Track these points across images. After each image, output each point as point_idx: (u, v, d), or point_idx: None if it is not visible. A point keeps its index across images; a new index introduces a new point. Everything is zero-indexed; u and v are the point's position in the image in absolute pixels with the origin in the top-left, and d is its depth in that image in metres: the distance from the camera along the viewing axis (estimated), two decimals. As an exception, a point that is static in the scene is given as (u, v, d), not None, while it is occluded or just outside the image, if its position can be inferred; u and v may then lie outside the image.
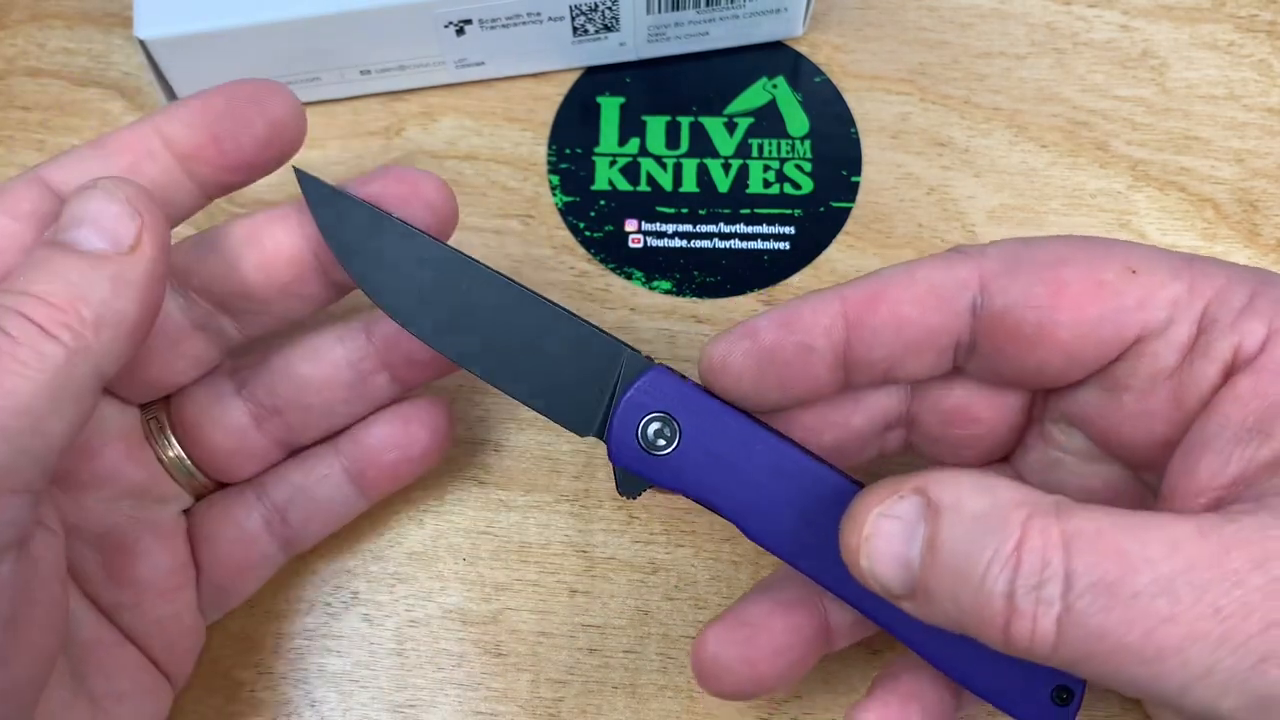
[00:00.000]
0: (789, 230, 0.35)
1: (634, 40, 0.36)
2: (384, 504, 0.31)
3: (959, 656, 0.24)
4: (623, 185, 0.35)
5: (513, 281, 0.26)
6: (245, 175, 0.25)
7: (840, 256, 0.34)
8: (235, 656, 0.30)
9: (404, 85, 0.36)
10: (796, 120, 0.36)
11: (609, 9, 0.34)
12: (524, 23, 0.34)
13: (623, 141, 0.36)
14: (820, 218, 0.35)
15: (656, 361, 0.25)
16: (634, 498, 0.25)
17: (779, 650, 0.25)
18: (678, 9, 0.35)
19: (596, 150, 0.36)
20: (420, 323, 0.25)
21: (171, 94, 0.34)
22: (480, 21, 0.34)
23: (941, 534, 0.20)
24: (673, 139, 0.36)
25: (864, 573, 0.22)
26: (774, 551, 0.25)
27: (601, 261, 0.34)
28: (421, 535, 0.31)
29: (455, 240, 0.27)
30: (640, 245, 0.34)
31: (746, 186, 0.35)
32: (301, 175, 0.25)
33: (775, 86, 0.36)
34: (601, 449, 0.32)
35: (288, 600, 0.30)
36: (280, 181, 0.27)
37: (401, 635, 0.30)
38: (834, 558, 0.23)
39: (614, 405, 0.25)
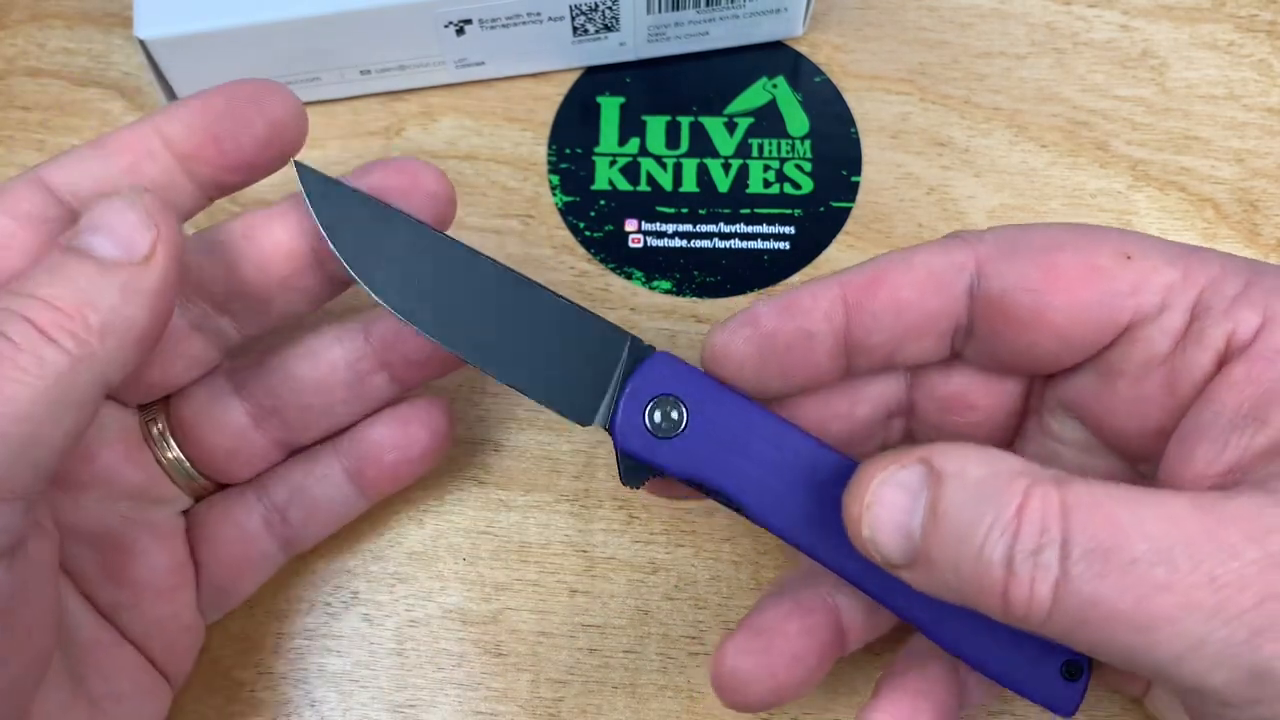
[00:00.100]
0: (789, 230, 0.35)
1: (634, 40, 0.36)
2: (384, 504, 0.31)
3: (968, 637, 0.24)
4: (623, 185, 0.35)
5: (513, 271, 0.25)
6: (245, 175, 0.25)
7: (840, 256, 0.34)
8: (235, 656, 0.30)
9: (404, 85, 0.36)
10: (796, 120, 0.36)
11: (609, 9, 0.34)
12: (524, 23, 0.34)
13: (623, 141, 0.36)
14: (820, 218, 0.35)
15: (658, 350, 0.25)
16: (637, 487, 0.25)
17: (797, 656, 0.25)
18: (678, 9, 0.35)
19: (596, 150, 0.36)
20: (419, 314, 0.25)
21: (171, 94, 0.34)
22: (480, 21, 0.34)
23: (944, 500, 0.20)
24: (673, 139, 0.36)
25: (865, 542, 0.22)
26: (779, 533, 0.25)
27: (601, 261, 0.34)
28: (421, 535, 0.31)
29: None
30: (640, 245, 0.34)
31: (746, 186, 0.35)
32: (300, 167, 0.25)
33: (775, 86, 0.36)
34: (602, 449, 0.32)
35: (288, 600, 0.30)
36: (283, 181, 0.26)
37: (401, 635, 0.30)
38: (840, 538, 0.23)
39: (620, 390, 0.25)
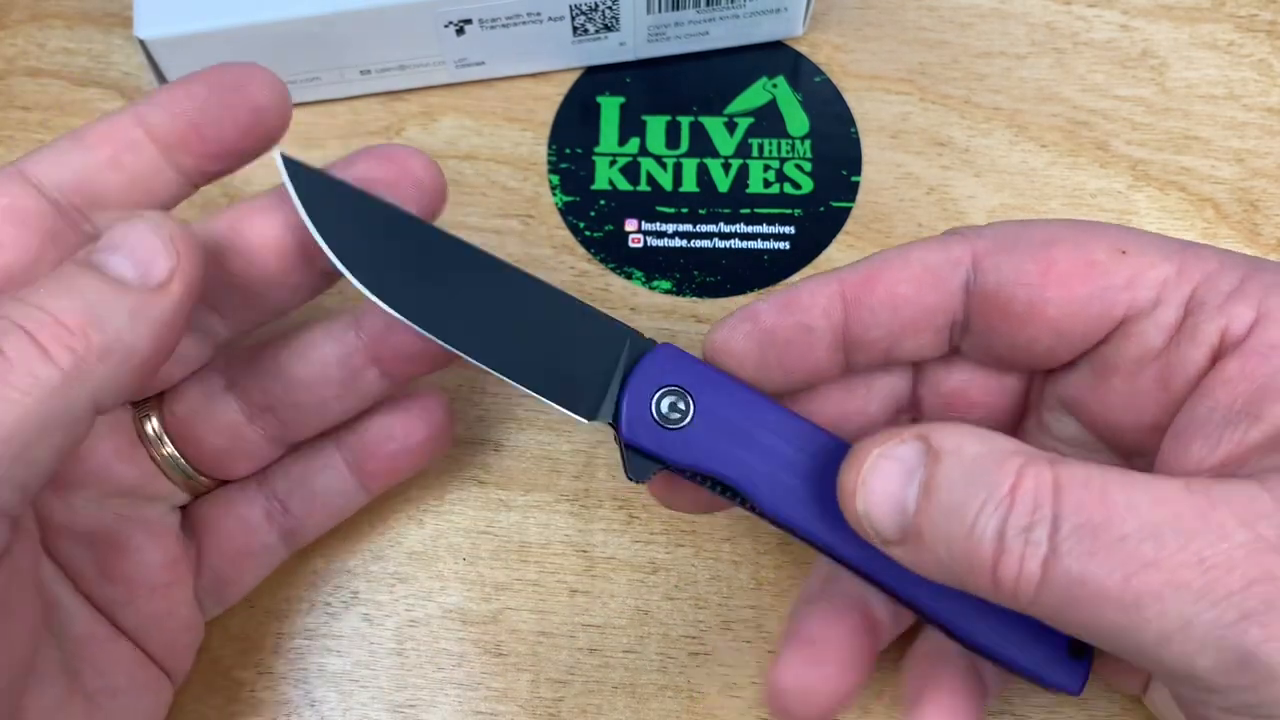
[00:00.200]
0: (789, 230, 0.35)
1: (634, 40, 0.36)
2: (384, 503, 0.31)
3: (976, 623, 0.24)
4: (623, 185, 0.35)
5: (511, 266, 0.25)
6: (229, 162, 0.25)
7: (840, 256, 0.34)
8: (235, 656, 0.30)
9: (404, 85, 0.36)
10: (796, 120, 0.36)
11: (609, 9, 0.34)
12: (524, 22, 0.34)
13: (623, 141, 0.36)
14: (820, 217, 0.35)
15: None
16: (644, 481, 0.25)
17: (850, 658, 0.25)
18: (678, 9, 0.35)
19: (596, 150, 0.36)
20: (416, 310, 0.25)
21: (171, 94, 0.34)
22: (480, 21, 0.34)
23: (939, 476, 0.21)
24: (673, 139, 0.36)
25: (859, 516, 0.22)
26: (788, 524, 0.24)
27: (601, 261, 0.34)
28: (421, 535, 0.31)
29: (455, 240, 0.27)
30: (640, 245, 0.34)
31: (746, 186, 0.35)
32: (287, 161, 0.25)
33: (775, 86, 0.36)
34: (602, 449, 0.32)
35: (288, 600, 0.30)
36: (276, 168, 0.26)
37: (401, 635, 0.30)
38: (850, 528, 0.23)
39: (623, 383, 0.25)
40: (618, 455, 0.31)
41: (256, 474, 0.28)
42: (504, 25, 0.34)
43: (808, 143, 0.36)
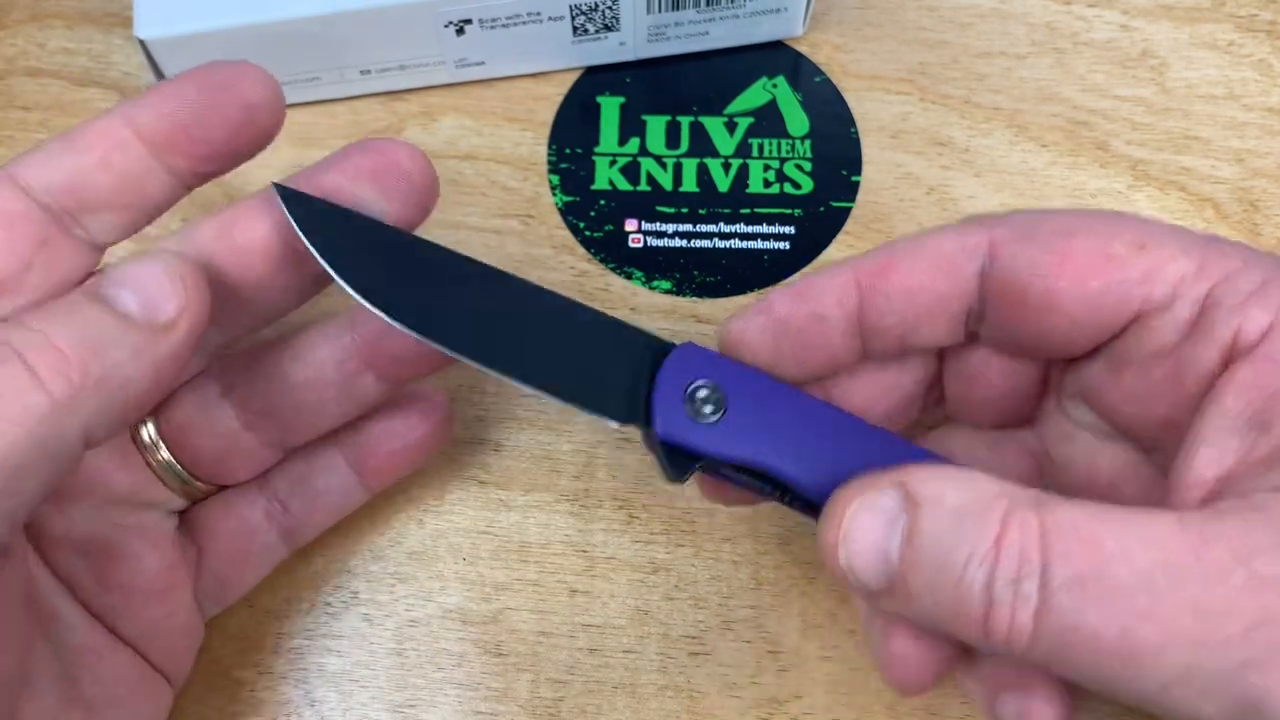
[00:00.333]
0: (789, 230, 0.35)
1: (634, 40, 0.36)
2: (384, 503, 0.31)
3: None
4: (623, 185, 0.35)
5: (518, 278, 0.25)
6: (222, 163, 0.24)
7: (840, 256, 0.34)
8: (235, 656, 0.30)
9: (404, 85, 0.36)
10: (796, 120, 0.36)
11: (609, 9, 0.34)
12: (524, 22, 0.34)
13: (623, 141, 0.36)
14: (820, 217, 0.35)
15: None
16: (683, 480, 0.24)
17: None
18: (678, 9, 0.35)
19: (596, 150, 0.36)
20: (439, 331, 0.24)
21: (171, 94, 0.34)
22: (480, 21, 0.34)
23: (921, 527, 0.20)
24: (673, 139, 0.36)
25: (842, 569, 0.21)
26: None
27: (601, 261, 0.34)
28: (421, 535, 0.31)
29: (456, 240, 0.27)
30: (640, 245, 0.34)
31: (746, 186, 0.35)
32: (283, 191, 0.24)
33: (775, 86, 0.36)
34: (603, 449, 0.32)
35: (287, 600, 0.30)
36: (283, 175, 0.26)
37: (401, 635, 0.30)
38: None
39: (653, 382, 0.24)
40: (618, 455, 0.31)
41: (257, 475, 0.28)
42: (504, 25, 0.34)
43: (808, 143, 0.36)
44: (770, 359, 0.25)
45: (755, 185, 0.35)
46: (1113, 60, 0.36)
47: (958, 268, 0.24)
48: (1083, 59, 0.37)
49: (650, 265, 0.34)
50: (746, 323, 0.25)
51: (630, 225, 0.35)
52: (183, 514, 0.28)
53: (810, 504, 0.24)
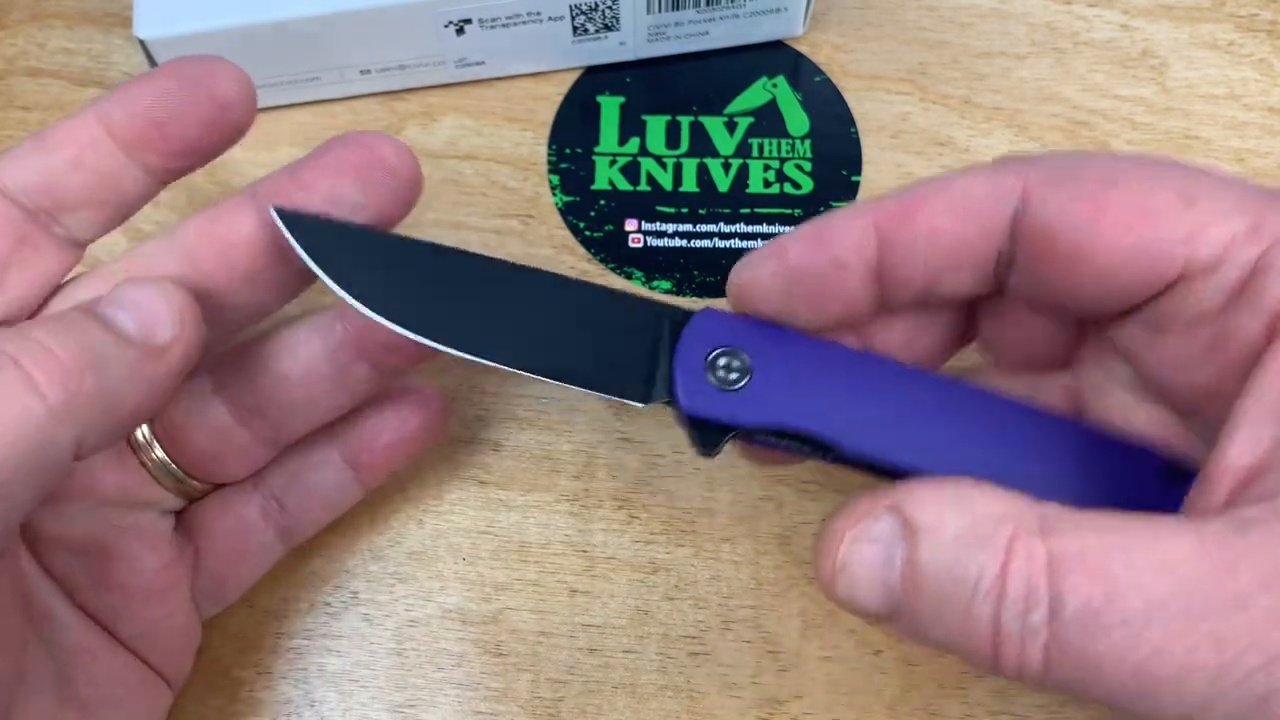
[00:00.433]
0: (789, 230, 0.35)
1: (634, 40, 0.36)
2: (384, 503, 0.31)
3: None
4: (623, 185, 0.35)
5: (528, 267, 0.25)
6: (194, 159, 0.24)
7: (840, 256, 0.34)
8: (235, 656, 0.30)
9: (404, 85, 0.36)
10: (796, 120, 0.36)
11: (609, 8, 0.34)
12: (524, 22, 0.34)
13: (623, 141, 0.36)
14: (820, 217, 0.35)
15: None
16: (714, 454, 0.23)
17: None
18: (678, 8, 0.35)
19: (596, 150, 0.36)
20: (456, 337, 0.24)
21: (171, 94, 0.34)
22: (480, 21, 0.34)
23: (921, 556, 0.19)
24: (673, 139, 0.36)
25: (843, 601, 0.21)
26: (874, 459, 0.23)
27: (601, 261, 0.34)
28: (421, 535, 0.31)
29: (456, 240, 0.26)
30: (640, 245, 0.34)
31: (746, 186, 0.35)
32: (282, 214, 0.24)
33: (775, 86, 0.36)
34: (603, 449, 0.32)
35: (287, 600, 0.30)
36: (271, 161, 0.26)
37: (401, 635, 0.30)
38: (943, 447, 0.22)
39: (673, 355, 0.23)
40: (618, 455, 0.31)
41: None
42: (504, 25, 0.34)
43: (808, 143, 0.36)
44: (781, 308, 0.24)
45: (755, 185, 0.35)
46: (1113, 60, 0.36)
47: (987, 212, 0.22)
48: (1083, 59, 0.37)
49: (650, 265, 0.34)
50: (756, 270, 0.23)
51: (630, 225, 0.35)
52: (179, 514, 0.28)
53: (853, 460, 0.23)
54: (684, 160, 0.35)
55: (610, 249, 0.34)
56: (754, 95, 0.36)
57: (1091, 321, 0.24)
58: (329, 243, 0.24)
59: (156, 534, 0.26)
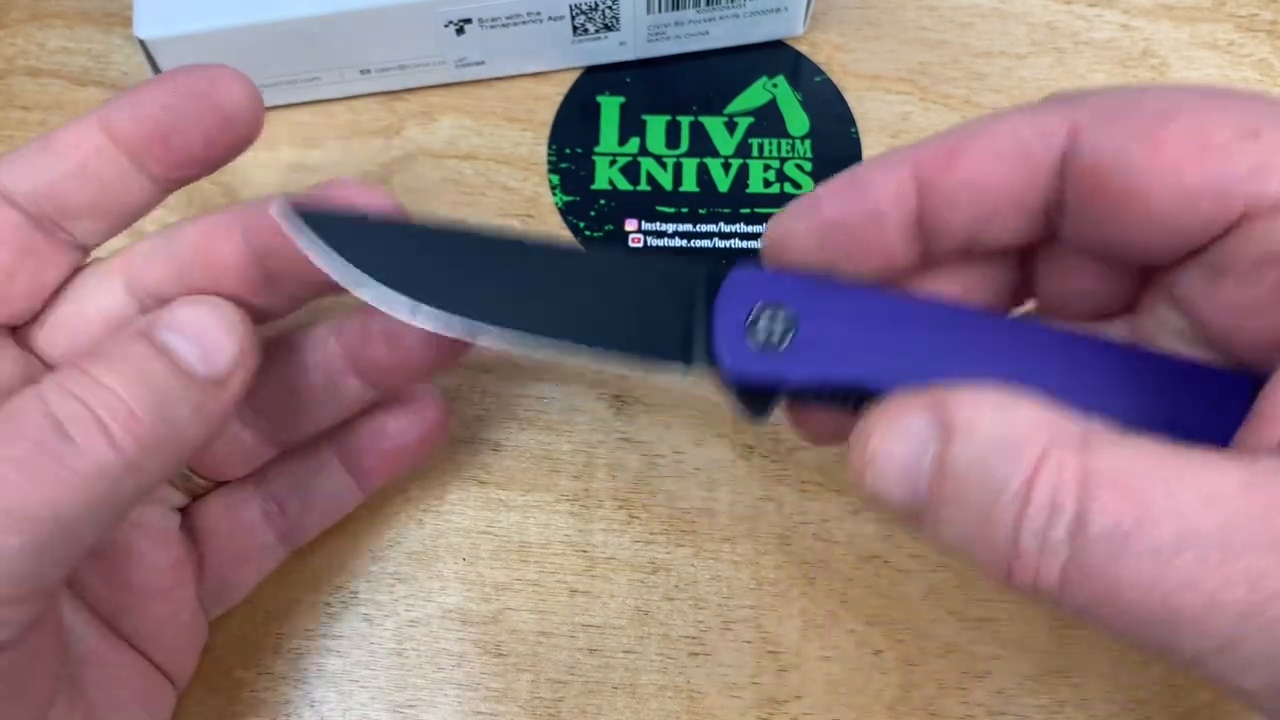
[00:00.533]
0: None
1: (634, 40, 0.36)
2: (384, 504, 0.31)
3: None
4: (623, 185, 0.35)
5: (548, 240, 0.24)
6: (199, 170, 0.24)
7: (840, 256, 0.34)
8: (235, 657, 0.30)
9: (404, 85, 0.36)
10: (797, 120, 0.36)
11: (609, 8, 0.34)
12: (524, 22, 0.34)
13: (623, 141, 0.36)
14: (820, 217, 0.35)
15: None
16: (764, 420, 0.22)
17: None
18: (678, 8, 0.35)
19: (596, 150, 0.36)
20: (485, 315, 0.23)
21: (171, 94, 0.34)
22: (480, 21, 0.34)
23: (952, 456, 0.18)
24: (673, 138, 0.36)
25: (869, 492, 0.20)
26: None
27: (601, 261, 0.34)
28: (421, 535, 0.31)
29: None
30: (640, 245, 0.34)
31: (746, 186, 0.35)
32: (288, 210, 0.23)
33: (775, 86, 0.36)
34: (603, 449, 0.32)
35: (288, 600, 0.30)
36: (283, 181, 0.26)
37: (401, 635, 0.30)
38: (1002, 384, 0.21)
39: (711, 317, 0.22)
40: (618, 455, 0.31)
41: (254, 475, 0.28)
42: (504, 25, 0.34)
43: (808, 142, 0.36)
44: (817, 263, 0.23)
45: (755, 185, 0.35)
46: (1113, 60, 0.36)
47: (1033, 155, 0.21)
48: (1083, 59, 0.37)
49: (650, 265, 0.34)
50: (791, 223, 0.22)
51: (630, 225, 0.35)
52: (182, 516, 0.28)
53: None
54: (684, 160, 0.35)
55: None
56: (754, 95, 0.36)
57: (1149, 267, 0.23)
58: (337, 233, 0.23)
59: (163, 531, 0.27)
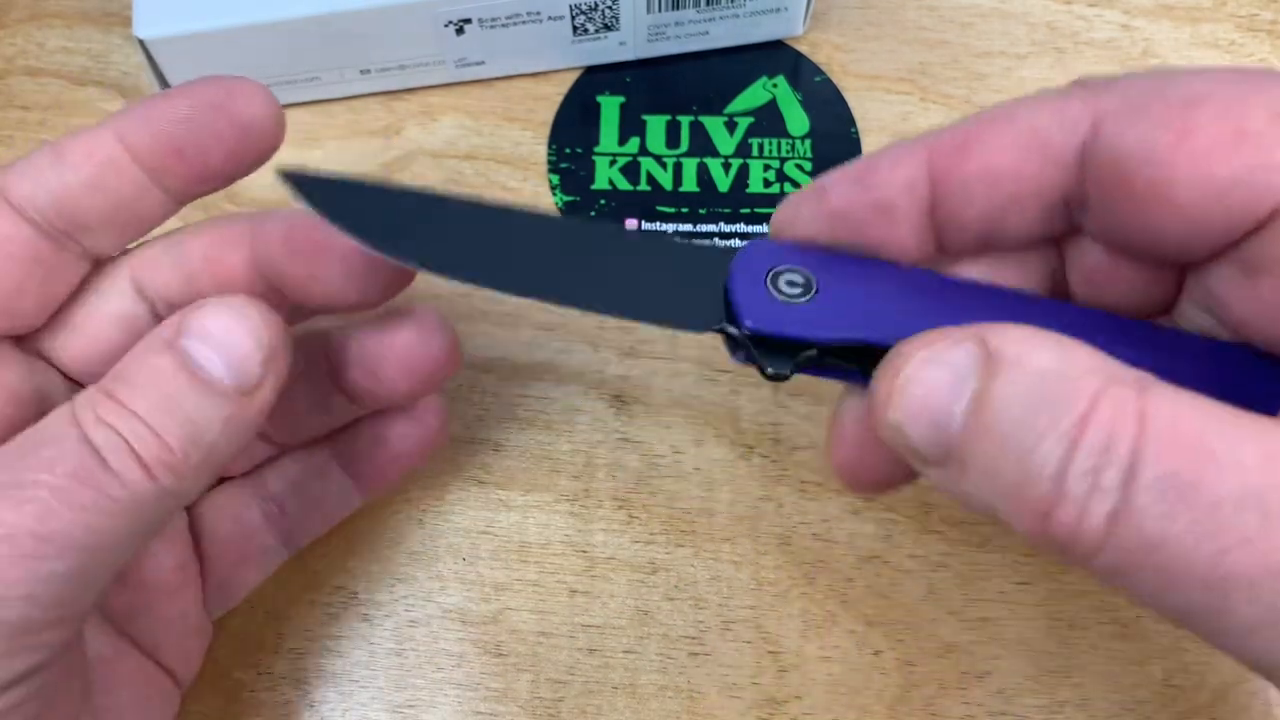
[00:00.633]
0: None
1: (634, 39, 0.36)
2: (384, 504, 0.31)
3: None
4: (623, 185, 0.35)
5: (573, 219, 0.24)
6: (216, 183, 0.23)
7: (840, 256, 0.34)
8: (235, 657, 0.30)
9: (403, 85, 0.36)
10: (797, 120, 0.36)
11: (609, 8, 0.34)
12: (524, 22, 0.34)
13: (623, 141, 0.36)
14: (820, 217, 0.35)
15: None
16: (786, 377, 0.21)
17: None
18: (678, 8, 0.35)
19: (596, 150, 0.36)
20: (508, 281, 0.22)
21: (171, 93, 0.34)
22: (480, 21, 0.34)
23: (995, 391, 0.17)
24: (673, 138, 0.36)
25: (889, 428, 0.18)
26: None
27: (601, 261, 0.34)
28: (421, 535, 0.31)
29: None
30: (640, 245, 0.34)
31: (747, 186, 0.35)
32: (293, 179, 0.22)
33: (775, 86, 0.36)
34: (603, 449, 0.32)
35: (288, 600, 0.30)
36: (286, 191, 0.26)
37: (401, 635, 0.30)
38: None
39: (730, 278, 0.22)
40: (618, 455, 0.31)
41: (254, 477, 0.28)
42: (504, 25, 0.34)
43: (808, 142, 0.36)
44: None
45: (755, 185, 0.35)
46: (1113, 60, 0.36)
47: (1052, 145, 0.20)
48: (1083, 59, 0.37)
49: (650, 265, 0.34)
50: (795, 210, 0.22)
51: (630, 225, 0.35)
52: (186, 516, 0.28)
53: None
54: (684, 160, 0.35)
55: (610, 249, 0.34)
56: (754, 95, 0.36)
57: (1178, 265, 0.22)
58: (361, 209, 0.23)
59: (170, 530, 0.27)
